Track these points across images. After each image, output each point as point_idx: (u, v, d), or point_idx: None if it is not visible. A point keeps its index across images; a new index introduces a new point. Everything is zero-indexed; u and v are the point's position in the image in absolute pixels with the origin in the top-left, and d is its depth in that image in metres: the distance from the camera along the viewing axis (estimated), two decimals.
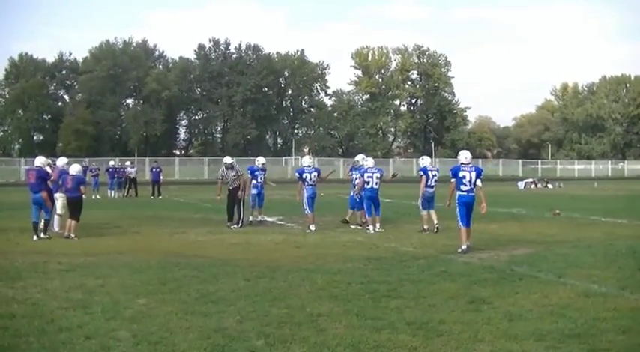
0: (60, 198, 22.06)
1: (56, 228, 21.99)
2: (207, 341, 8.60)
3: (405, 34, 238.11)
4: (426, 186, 22.55)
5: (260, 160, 27.02)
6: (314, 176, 23.52)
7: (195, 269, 14.10)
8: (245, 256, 16.35)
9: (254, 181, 25.94)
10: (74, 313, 10.14)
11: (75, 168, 21.48)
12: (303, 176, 23.33)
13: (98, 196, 43.28)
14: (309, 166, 24.10)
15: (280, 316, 9.88)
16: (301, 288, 11.99)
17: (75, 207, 20.99)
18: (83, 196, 21.64)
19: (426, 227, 22.45)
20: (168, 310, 10.26)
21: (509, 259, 15.84)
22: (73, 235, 20.45)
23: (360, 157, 25.12)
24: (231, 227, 23.64)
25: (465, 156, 18.33)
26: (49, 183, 21.70)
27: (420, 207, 22.84)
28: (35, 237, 20.15)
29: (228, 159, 25.71)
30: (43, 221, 20.78)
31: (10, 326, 9.36)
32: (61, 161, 23.36)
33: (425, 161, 23.50)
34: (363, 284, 12.37)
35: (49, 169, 21.69)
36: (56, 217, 22.14)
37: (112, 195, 45.07)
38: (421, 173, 22.99)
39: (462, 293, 11.49)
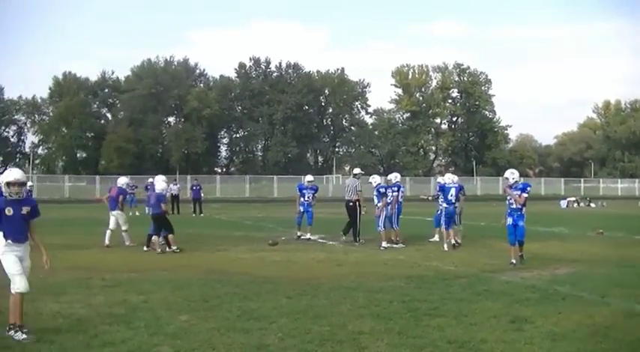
0: (119, 216, 23.54)
1: (107, 241, 23.06)
2: None
3: (445, 52, 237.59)
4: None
5: (307, 178, 27.26)
6: (390, 192, 23.88)
7: (237, 286, 14.17)
8: (286, 274, 16.37)
9: (302, 199, 26.14)
10: (117, 328, 10.23)
11: (160, 186, 22.33)
12: (387, 193, 23.59)
13: (137, 212, 43.55)
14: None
15: (322, 334, 9.88)
16: (343, 306, 11.98)
17: (160, 223, 21.75)
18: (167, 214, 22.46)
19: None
20: (210, 327, 10.32)
21: (552, 278, 15.70)
22: (174, 247, 21.40)
23: (375, 177, 25.01)
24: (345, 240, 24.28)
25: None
26: (105, 200, 24.48)
27: (396, 224, 23.96)
28: (149, 249, 21.83)
29: (358, 171, 26.34)
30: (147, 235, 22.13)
31: (55, 340, 9.49)
32: (122, 180, 25.21)
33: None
34: (404, 302, 12.33)
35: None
36: (108, 231, 23.21)
37: (148, 211, 45.06)
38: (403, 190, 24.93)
39: (503, 313, 11.42)
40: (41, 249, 10.24)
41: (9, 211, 9.97)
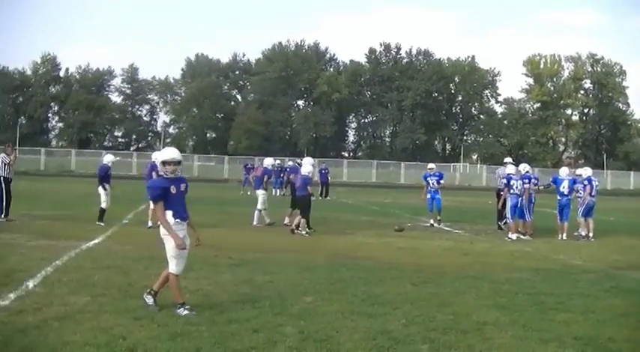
0: (261, 195, 24.01)
1: (255, 222, 23.85)
2: (372, 342, 8.66)
3: (578, 42, 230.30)
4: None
5: (429, 166, 27.53)
6: (520, 184, 23.41)
7: (362, 270, 14.23)
8: (412, 260, 16.35)
9: (428, 187, 26.24)
10: (243, 306, 10.40)
11: (306, 169, 22.72)
12: (511, 183, 23.29)
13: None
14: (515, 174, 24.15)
15: (446, 322, 9.84)
16: (467, 295, 11.91)
17: (303, 204, 22.07)
18: (312, 197, 22.67)
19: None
20: (335, 309, 10.39)
21: None
22: (303, 232, 21.61)
23: (521, 167, 24.78)
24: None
25: None
26: (250, 178, 25.71)
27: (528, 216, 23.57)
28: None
29: (508, 160, 26.62)
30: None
31: (182, 314, 9.71)
32: (268, 161, 26.06)
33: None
34: (530, 295, 12.17)
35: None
36: (256, 212, 23.94)
37: (275, 193, 45.69)
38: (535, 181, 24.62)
39: (633, 311, 11.14)
40: (192, 226, 10.48)
41: (173, 189, 10.16)
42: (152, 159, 22.11)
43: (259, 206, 23.96)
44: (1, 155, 22.92)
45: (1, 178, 22.70)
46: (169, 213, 10.08)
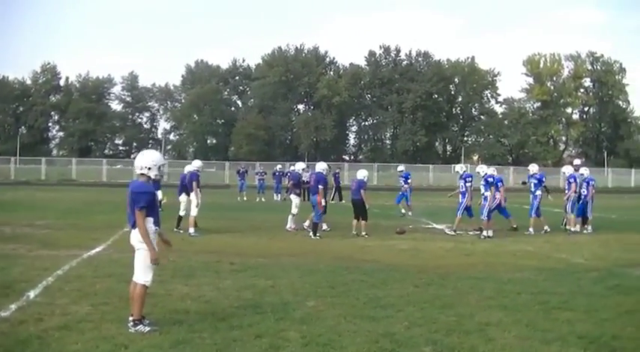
0: (294, 200, 24.31)
1: (288, 226, 24.04)
2: (375, 345, 8.67)
3: (578, 40, 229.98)
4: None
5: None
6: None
7: (365, 273, 14.20)
8: (414, 262, 16.33)
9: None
10: (245, 312, 10.37)
11: (362, 174, 24.06)
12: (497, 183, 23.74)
13: (263, 199, 44.27)
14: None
15: (449, 323, 9.83)
16: (470, 296, 11.89)
17: (359, 208, 22.99)
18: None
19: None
20: (337, 313, 10.38)
21: None
22: (364, 234, 22.29)
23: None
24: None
25: None
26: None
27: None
28: (312, 236, 21.99)
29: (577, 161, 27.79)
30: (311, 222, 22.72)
31: (184, 321, 9.70)
32: (298, 166, 26.74)
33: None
34: (533, 294, 12.15)
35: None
36: (290, 217, 24.08)
37: (278, 198, 45.65)
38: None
39: (636, 309, 11.11)
40: (163, 233, 9.95)
41: (155, 195, 9.62)
42: (193, 168, 22.20)
43: (293, 210, 24.06)
44: None
45: None
46: (150, 220, 9.38)
